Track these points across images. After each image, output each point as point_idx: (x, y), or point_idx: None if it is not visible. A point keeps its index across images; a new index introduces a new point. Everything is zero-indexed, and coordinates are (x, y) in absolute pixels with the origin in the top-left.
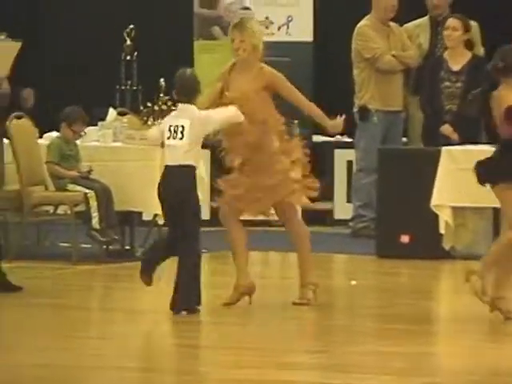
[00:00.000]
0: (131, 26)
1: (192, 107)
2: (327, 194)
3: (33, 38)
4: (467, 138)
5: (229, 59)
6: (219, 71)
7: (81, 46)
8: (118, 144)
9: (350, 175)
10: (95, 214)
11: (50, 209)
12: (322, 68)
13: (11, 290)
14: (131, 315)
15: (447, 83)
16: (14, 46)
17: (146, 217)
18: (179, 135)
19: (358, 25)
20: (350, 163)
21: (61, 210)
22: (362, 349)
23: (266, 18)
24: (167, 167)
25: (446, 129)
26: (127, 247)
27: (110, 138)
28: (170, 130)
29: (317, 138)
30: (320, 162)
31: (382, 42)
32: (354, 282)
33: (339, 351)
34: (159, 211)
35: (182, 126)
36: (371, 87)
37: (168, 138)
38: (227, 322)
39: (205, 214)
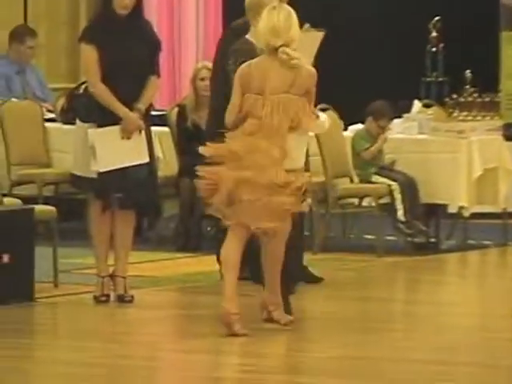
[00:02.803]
0: (437, 18)
1: None
2: None
3: (331, 28)
4: None
5: None
6: None
7: (385, 38)
8: (424, 136)
9: None
10: (400, 207)
11: (355, 201)
12: None
13: (313, 281)
14: (437, 308)
15: None
16: (318, 36)
17: (451, 209)
18: None
19: None
20: None
21: (365, 202)
22: None
23: None
24: None
25: None
26: (432, 240)
27: (415, 130)
28: None
29: None
30: None
31: None
32: None
33: None
34: (465, 203)
35: None
36: None
37: None
38: None
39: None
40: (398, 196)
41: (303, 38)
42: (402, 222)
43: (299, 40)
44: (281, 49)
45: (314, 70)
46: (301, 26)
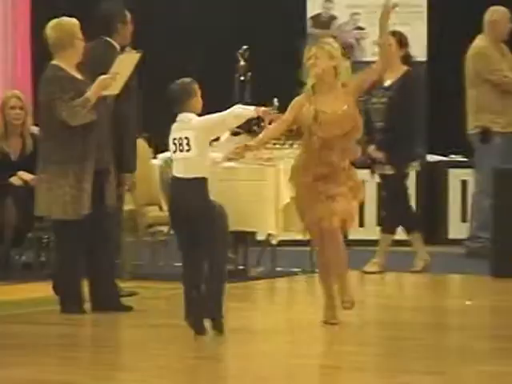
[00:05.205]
0: (245, 47)
1: (190, 115)
2: (441, 213)
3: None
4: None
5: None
6: None
7: (194, 66)
8: (232, 164)
9: (464, 195)
10: None
11: (164, 229)
12: (435, 87)
13: (122, 310)
14: (245, 335)
15: (374, 99)
16: (134, 57)
17: (260, 236)
18: (186, 147)
19: (476, 45)
20: (463, 182)
21: None
22: (479, 369)
23: None
24: (178, 180)
25: (371, 148)
26: (241, 267)
27: None
28: (174, 144)
29: (431, 158)
30: (434, 181)
31: (503, 64)
32: (469, 302)
33: (455, 372)
34: (273, 231)
35: (187, 138)
36: (493, 109)
37: (174, 152)
38: (342, 342)
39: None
40: None
41: (123, 59)
42: None
43: (119, 61)
44: None
45: None
46: (122, 49)
